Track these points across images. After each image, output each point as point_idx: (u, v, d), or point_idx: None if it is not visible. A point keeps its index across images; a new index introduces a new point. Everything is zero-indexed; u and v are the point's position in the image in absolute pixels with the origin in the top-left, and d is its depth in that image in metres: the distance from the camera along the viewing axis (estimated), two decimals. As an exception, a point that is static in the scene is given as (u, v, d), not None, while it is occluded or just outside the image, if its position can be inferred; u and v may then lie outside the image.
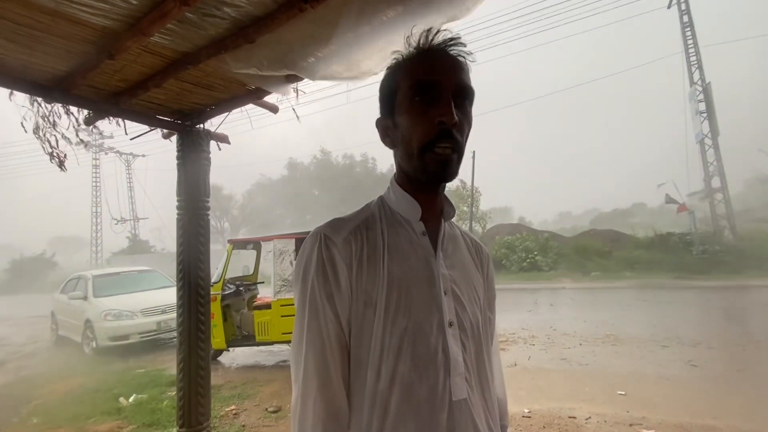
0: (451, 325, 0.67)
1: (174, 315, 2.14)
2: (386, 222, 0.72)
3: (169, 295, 6.65)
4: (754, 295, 8.87)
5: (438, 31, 0.68)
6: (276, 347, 5.72)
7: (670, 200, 15.64)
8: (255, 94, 1.81)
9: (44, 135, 1.79)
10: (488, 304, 0.81)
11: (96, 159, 27.64)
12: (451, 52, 0.67)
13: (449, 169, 0.66)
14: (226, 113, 2.00)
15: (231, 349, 5.53)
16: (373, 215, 0.73)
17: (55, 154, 1.83)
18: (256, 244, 6.16)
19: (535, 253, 15.67)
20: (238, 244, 6.00)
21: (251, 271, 6.47)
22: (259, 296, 6.33)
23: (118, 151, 26.94)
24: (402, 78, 0.69)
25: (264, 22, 1.22)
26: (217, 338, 5.17)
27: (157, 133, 2.12)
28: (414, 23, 1.26)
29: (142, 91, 1.64)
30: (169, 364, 5.58)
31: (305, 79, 1.65)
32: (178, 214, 2.05)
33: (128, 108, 1.82)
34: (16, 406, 4.26)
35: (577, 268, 14.25)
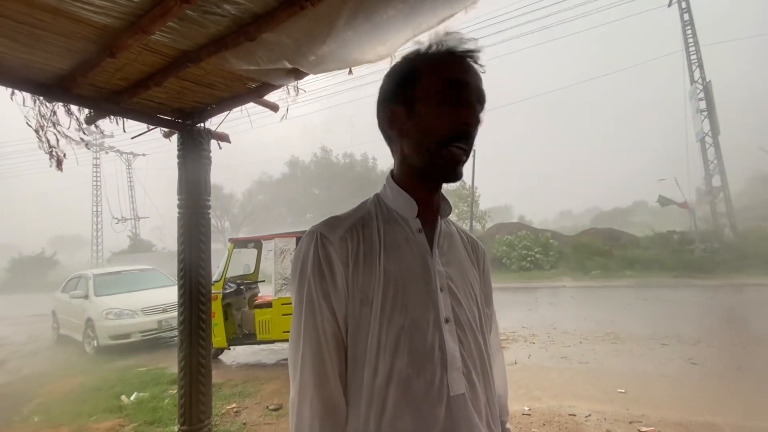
0: (447, 321, 0.68)
1: (175, 314, 2.15)
2: (382, 219, 0.72)
3: (170, 294, 6.65)
4: (754, 293, 8.88)
5: (468, 38, 0.70)
6: (277, 345, 5.73)
7: (664, 200, 15.59)
8: (256, 93, 1.81)
9: (44, 134, 1.79)
10: (485, 300, 0.82)
11: (96, 158, 27.66)
12: (477, 61, 0.71)
13: (459, 169, 0.69)
14: (227, 112, 2.00)
15: (232, 347, 5.54)
16: (369, 213, 0.73)
17: (54, 154, 1.83)
18: (256, 243, 6.16)
19: (536, 250, 15.68)
20: (239, 243, 6.00)
21: (252, 270, 6.48)
22: (260, 295, 6.34)
23: (118, 150, 26.96)
24: (428, 70, 0.69)
25: (265, 20, 1.22)
26: (218, 337, 5.18)
27: (158, 132, 2.12)
28: (413, 21, 1.26)
29: (143, 90, 1.64)
30: (170, 363, 5.59)
31: (306, 77, 1.65)
32: (178, 213, 2.05)
33: (129, 107, 1.83)
34: (17, 404, 4.27)
35: (578, 267, 14.26)
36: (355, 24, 1.22)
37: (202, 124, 2.07)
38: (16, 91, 1.61)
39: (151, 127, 2.04)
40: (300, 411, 0.64)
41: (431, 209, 0.75)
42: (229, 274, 5.74)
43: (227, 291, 5.55)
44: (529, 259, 15.44)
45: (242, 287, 5.98)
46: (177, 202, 2.05)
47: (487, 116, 0.71)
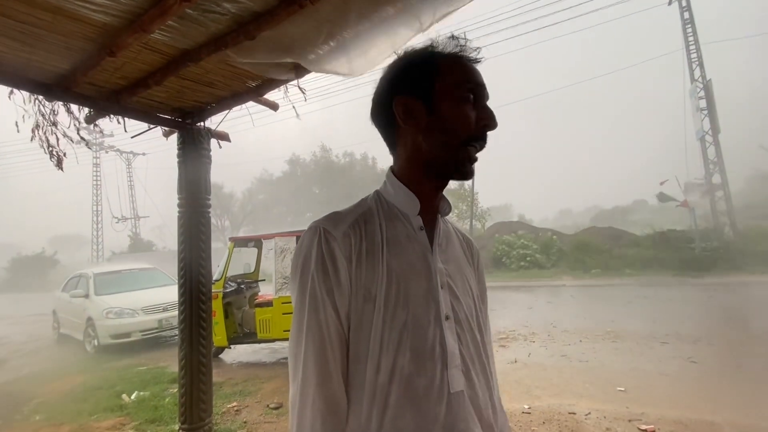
0: (447, 318, 0.68)
1: (175, 313, 2.15)
2: (384, 216, 0.72)
3: (170, 293, 6.65)
4: (754, 291, 8.88)
5: (471, 42, 0.72)
6: (277, 344, 5.74)
7: (664, 198, 15.61)
8: (256, 92, 1.81)
9: (44, 133, 1.79)
10: (481, 297, 0.82)
11: (96, 157, 27.64)
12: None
13: (472, 168, 0.71)
14: (227, 111, 2.01)
15: (233, 346, 5.55)
16: (370, 209, 0.73)
17: (54, 153, 1.84)
18: (257, 242, 6.17)
19: (535, 247, 15.68)
20: (240, 242, 6.01)
21: (252, 269, 6.49)
22: (260, 294, 6.35)
23: (118, 150, 26.96)
24: (445, 68, 0.69)
25: (264, 19, 1.22)
26: (219, 336, 5.19)
27: (158, 131, 2.12)
28: (413, 20, 1.26)
29: (143, 89, 1.64)
30: (170, 362, 5.60)
31: (306, 77, 1.65)
32: (179, 212, 2.05)
33: (129, 106, 1.82)
34: (18, 403, 4.28)
35: (578, 266, 14.26)
36: (356, 23, 1.22)
37: (202, 123, 2.07)
38: (16, 90, 1.61)
39: (151, 126, 2.04)
40: (302, 410, 0.63)
41: (432, 207, 0.75)
42: (230, 273, 5.74)
43: (228, 290, 5.56)
44: (528, 259, 15.44)
45: (243, 286, 5.99)
46: (177, 201, 2.05)
47: None
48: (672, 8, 16.18)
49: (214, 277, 5.21)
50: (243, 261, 6.66)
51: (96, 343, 6.57)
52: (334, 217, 0.70)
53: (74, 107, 1.79)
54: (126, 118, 1.90)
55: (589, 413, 3.21)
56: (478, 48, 0.72)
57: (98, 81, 1.61)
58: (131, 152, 27.81)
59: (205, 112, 2.00)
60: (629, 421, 3.04)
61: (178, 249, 2.06)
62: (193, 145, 2.03)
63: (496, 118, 0.70)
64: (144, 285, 7.71)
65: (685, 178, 15.79)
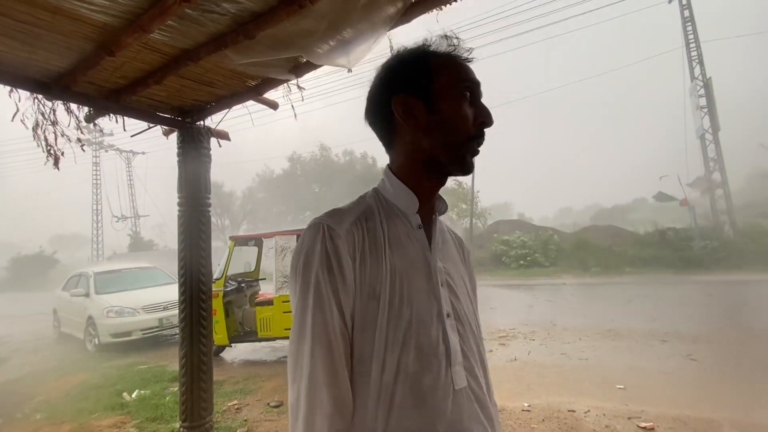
0: (448, 316, 0.69)
1: (176, 311, 2.16)
2: (384, 214, 0.72)
3: (171, 292, 6.66)
4: (754, 289, 8.89)
5: (464, 42, 0.73)
6: (278, 343, 5.75)
7: (662, 197, 15.62)
8: (255, 91, 1.81)
9: (43, 132, 1.79)
10: (473, 294, 0.83)
11: (96, 156, 27.62)
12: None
13: (473, 164, 0.72)
14: (227, 110, 2.01)
15: (233, 345, 5.56)
16: (370, 207, 0.73)
17: (52, 152, 1.84)
18: (257, 241, 6.18)
19: (535, 246, 15.70)
20: (240, 241, 6.01)
21: (253, 268, 6.49)
22: (260, 293, 6.36)
23: (118, 149, 26.95)
24: (443, 67, 0.70)
25: (264, 18, 1.22)
26: (220, 334, 5.20)
27: (158, 130, 2.13)
28: (412, 18, 1.27)
29: (142, 88, 1.65)
30: (171, 360, 5.61)
31: (305, 76, 1.65)
32: (179, 211, 2.06)
33: (128, 105, 1.83)
34: (19, 402, 4.29)
35: (578, 264, 14.27)
36: (356, 22, 1.22)
37: (201, 122, 2.07)
38: (15, 89, 1.61)
39: (151, 125, 2.04)
40: (309, 410, 0.60)
41: (429, 206, 0.76)
42: (230, 271, 5.75)
43: (228, 289, 5.57)
44: (528, 257, 15.47)
45: (243, 285, 6.00)
46: (177, 200, 2.06)
47: None
48: (672, 6, 16.15)
49: (215, 276, 5.22)
50: (243, 260, 6.66)
51: (96, 341, 6.58)
52: (336, 214, 0.69)
53: (74, 106, 1.79)
54: (126, 117, 1.90)
55: (589, 411, 3.22)
56: (470, 48, 0.73)
57: (98, 80, 1.62)
58: (131, 151, 27.80)
59: (205, 111, 2.00)
60: (629, 418, 3.05)
61: (178, 248, 2.06)
62: (193, 144, 2.04)
63: (492, 115, 0.72)
64: (144, 284, 7.72)
65: (685, 176, 15.80)
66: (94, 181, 28.05)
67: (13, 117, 1.69)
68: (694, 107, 15.52)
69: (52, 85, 1.59)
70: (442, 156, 0.71)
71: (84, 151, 2.01)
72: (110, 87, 1.69)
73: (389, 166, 0.77)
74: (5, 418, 3.91)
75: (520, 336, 5.81)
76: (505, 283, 12.51)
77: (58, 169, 1.90)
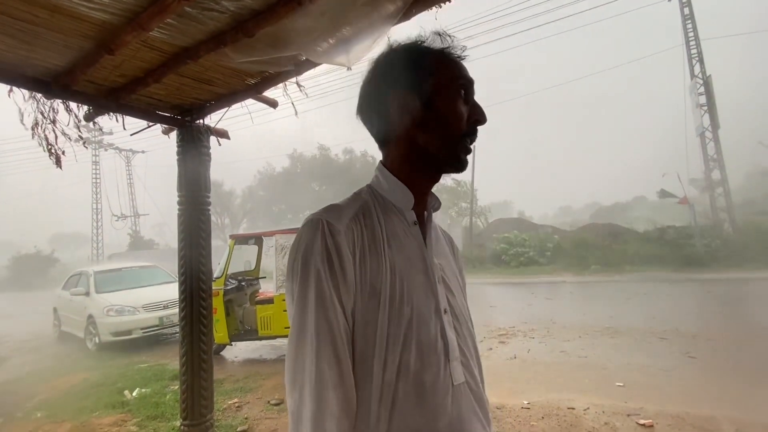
0: (445, 312, 0.69)
1: (176, 310, 2.16)
2: (381, 210, 0.72)
3: (171, 291, 6.67)
4: (753, 287, 8.91)
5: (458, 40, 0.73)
6: (278, 341, 5.76)
7: (665, 194, 15.62)
8: (254, 89, 1.81)
9: (43, 131, 1.79)
10: (464, 291, 0.84)
11: (96, 155, 27.58)
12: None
13: (467, 161, 0.72)
14: (226, 108, 2.01)
15: (234, 343, 5.57)
16: (366, 203, 0.72)
17: (53, 151, 1.84)
18: (257, 240, 6.18)
19: (535, 244, 15.71)
20: (240, 240, 6.02)
21: (253, 267, 6.50)
22: (261, 291, 6.36)
23: (117, 148, 26.89)
24: (440, 64, 0.70)
25: (263, 16, 1.22)
26: (220, 333, 5.21)
27: (157, 129, 2.12)
28: (411, 16, 1.26)
29: (142, 87, 1.64)
30: (171, 359, 5.62)
31: (304, 75, 1.65)
32: (178, 210, 2.06)
33: (128, 103, 1.83)
34: (20, 401, 4.30)
35: (577, 262, 14.28)
36: (355, 20, 1.22)
37: (201, 121, 2.07)
38: (15, 88, 1.61)
39: (151, 123, 2.04)
40: (317, 418, 0.58)
41: (423, 202, 0.75)
42: (231, 270, 5.76)
43: (228, 287, 5.57)
44: (527, 255, 15.48)
45: (243, 283, 6.01)
46: (177, 198, 2.06)
47: (487, 112, 0.74)
48: (672, 4, 16.11)
49: (215, 275, 5.23)
50: (243, 258, 6.67)
51: (97, 340, 6.59)
52: (334, 210, 0.68)
53: (73, 105, 1.79)
54: (125, 116, 1.90)
55: (588, 408, 3.23)
56: (464, 46, 0.73)
57: (97, 79, 1.61)
58: (130, 150, 27.75)
59: (205, 109, 2.00)
60: (628, 415, 3.06)
61: (178, 246, 2.07)
62: (193, 143, 2.04)
63: (485, 113, 0.73)
64: (144, 282, 7.73)
65: (685, 174, 15.81)
66: (94, 180, 28.02)
67: (22, 118, 1.70)
68: (693, 105, 15.51)
69: (52, 83, 1.59)
70: (438, 153, 0.71)
71: (87, 147, 2.02)
72: (109, 85, 1.69)
73: (382, 162, 0.76)
74: (6, 417, 3.92)
75: (519, 334, 5.82)
76: (505, 281, 12.53)
77: (60, 167, 1.91)
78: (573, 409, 3.23)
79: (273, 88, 1.80)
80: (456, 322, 0.71)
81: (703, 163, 15.38)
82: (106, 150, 26.82)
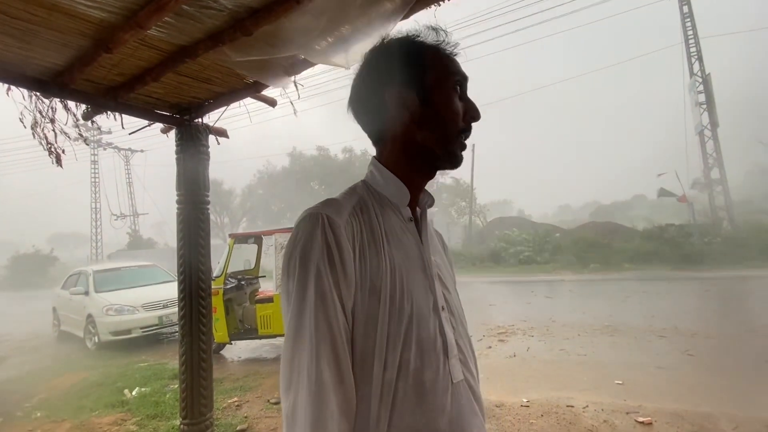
0: (443, 308, 0.69)
1: (175, 309, 2.16)
2: (378, 205, 0.71)
3: (170, 290, 6.65)
4: (752, 285, 8.92)
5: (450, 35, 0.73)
6: (278, 340, 5.76)
7: (664, 193, 15.65)
8: (253, 88, 1.81)
9: (42, 131, 1.79)
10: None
11: (94, 155, 27.52)
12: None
13: (462, 157, 0.72)
14: (225, 107, 2.00)
15: (233, 342, 5.57)
16: (363, 198, 0.71)
17: (53, 150, 1.83)
18: (257, 238, 6.18)
19: (534, 243, 15.73)
20: (240, 239, 6.02)
21: (253, 265, 6.50)
22: (260, 290, 6.36)
23: (116, 147, 26.83)
24: (435, 60, 0.70)
25: (261, 14, 1.21)
26: (220, 332, 5.21)
27: (156, 128, 2.12)
28: (410, 15, 1.26)
29: (140, 85, 1.64)
30: (171, 358, 5.62)
31: (303, 72, 1.65)
32: (177, 209, 2.06)
33: (126, 102, 1.82)
34: (19, 400, 4.29)
35: (576, 261, 14.30)
36: (354, 19, 1.22)
37: (199, 120, 2.07)
38: (13, 87, 1.61)
39: (149, 122, 2.04)
40: (317, 420, 0.56)
41: (417, 199, 0.75)
42: (230, 269, 5.76)
43: (228, 286, 5.57)
44: (527, 254, 15.50)
45: (243, 282, 6.01)
46: (176, 197, 2.05)
47: (485, 110, 0.75)
48: (671, 2, 16.11)
49: (215, 274, 5.23)
50: (243, 257, 6.67)
51: (96, 339, 6.59)
52: (333, 204, 0.66)
53: (72, 104, 1.78)
54: (123, 115, 1.89)
55: (587, 406, 3.24)
56: (457, 42, 0.73)
57: (95, 77, 1.61)
58: (129, 149, 27.69)
59: (203, 108, 2.00)
60: (627, 413, 3.07)
61: (177, 245, 2.06)
62: (191, 142, 2.03)
63: (479, 110, 0.73)
64: (144, 282, 7.72)
65: (684, 172, 15.82)
66: (93, 180, 27.97)
67: (24, 120, 1.69)
68: (693, 103, 15.52)
69: (50, 82, 1.59)
70: (434, 149, 0.70)
71: (88, 144, 2.01)
72: (108, 84, 1.68)
73: (377, 158, 0.75)
74: (5, 416, 3.92)
75: (519, 332, 5.83)
76: (505, 279, 12.54)
77: (61, 166, 1.90)
78: (572, 407, 3.24)
79: (272, 86, 1.80)
80: (452, 319, 0.71)
81: (702, 162, 15.40)
82: (104, 149, 26.74)
